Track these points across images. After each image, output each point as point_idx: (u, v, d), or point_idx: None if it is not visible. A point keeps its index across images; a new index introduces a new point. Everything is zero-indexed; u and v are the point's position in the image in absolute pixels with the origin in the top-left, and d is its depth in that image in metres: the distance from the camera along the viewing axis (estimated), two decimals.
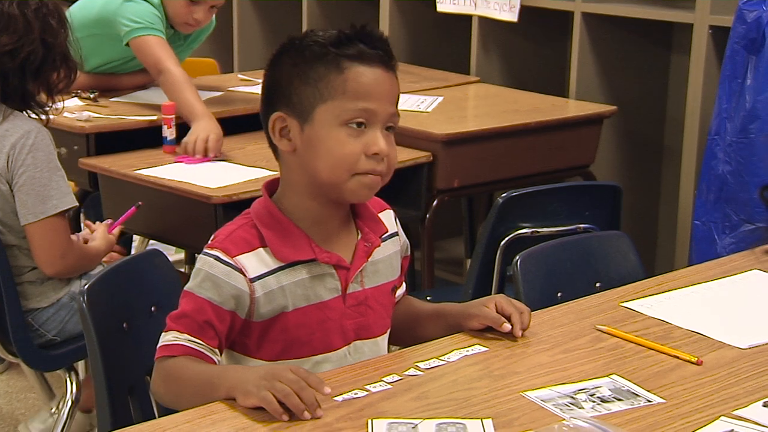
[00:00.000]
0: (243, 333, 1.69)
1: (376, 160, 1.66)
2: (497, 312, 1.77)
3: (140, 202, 2.69)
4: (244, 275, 1.65)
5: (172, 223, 2.87)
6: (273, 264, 1.67)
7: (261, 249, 1.67)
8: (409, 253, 1.87)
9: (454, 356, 1.72)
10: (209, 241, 1.69)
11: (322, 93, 1.64)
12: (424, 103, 3.49)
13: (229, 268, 1.65)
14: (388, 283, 1.78)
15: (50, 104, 2.50)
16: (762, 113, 2.93)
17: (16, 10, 2.39)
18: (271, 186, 1.74)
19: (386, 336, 1.80)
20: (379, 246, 1.76)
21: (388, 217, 1.82)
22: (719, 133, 3.06)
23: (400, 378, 1.64)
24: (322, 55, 1.65)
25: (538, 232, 2.62)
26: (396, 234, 1.83)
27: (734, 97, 3.01)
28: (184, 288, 1.68)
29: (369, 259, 1.74)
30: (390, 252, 1.80)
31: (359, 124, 1.64)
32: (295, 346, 1.69)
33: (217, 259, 1.66)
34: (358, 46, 1.65)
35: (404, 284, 1.89)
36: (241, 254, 1.66)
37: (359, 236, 1.75)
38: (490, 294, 2.60)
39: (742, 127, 2.97)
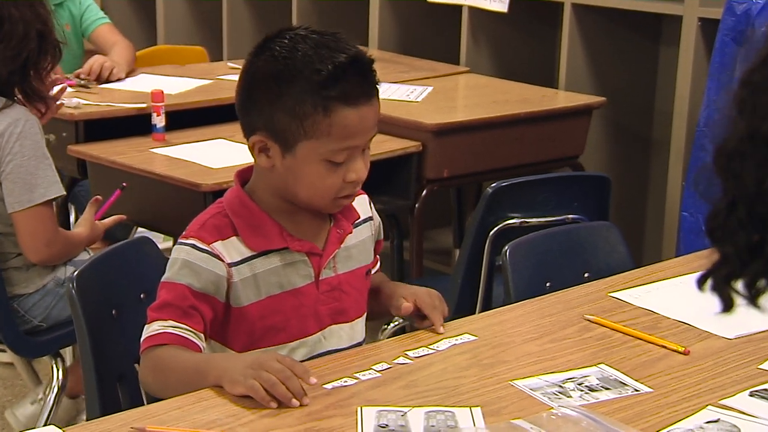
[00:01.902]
0: (220, 320, 1.70)
1: (355, 184, 1.68)
2: (416, 307, 1.78)
3: (124, 183, 2.68)
4: (222, 261, 1.67)
5: (161, 211, 2.87)
6: (246, 252, 1.69)
7: (234, 237, 1.69)
8: (382, 236, 1.88)
9: (443, 345, 1.73)
10: (183, 233, 1.70)
11: (306, 131, 1.63)
12: (414, 93, 3.49)
13: (207, 255, 1.66)
14: (361, 268, 1.80)
15: (47, 93, 2.49)
16: None
17: (13, 12, 2.37)
18: (244, 175, 1.75)
19: (362, 319, 1.81)
20: (351, 233, 1.78)
21: (362, 202, 1.84)
22: (708, 125, 3.07)
23: (389, 366, 1.65)
24: (309, 92, 1.62)
25: (527, 222, 2.63)
26: (370, 219, 1.84)
27: (722, 89, 3.02)
28: (162, 279, 1.69)
29: (342, 245, 1.76)
30: (363, 237, 1.81)
31: (342, 158, 1.66)
32: (270, 332, 1.71)
33: (194, 247, 1.67)
34: (345, 86, 1.62)
35: (378, 261, 1.91)
36: (215, 241, 1.68)
37: (332, 223, 1.76)
38: (479, 285, 2.62)
39: None
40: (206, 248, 1.67)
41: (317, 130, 1.63)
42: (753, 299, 0.93)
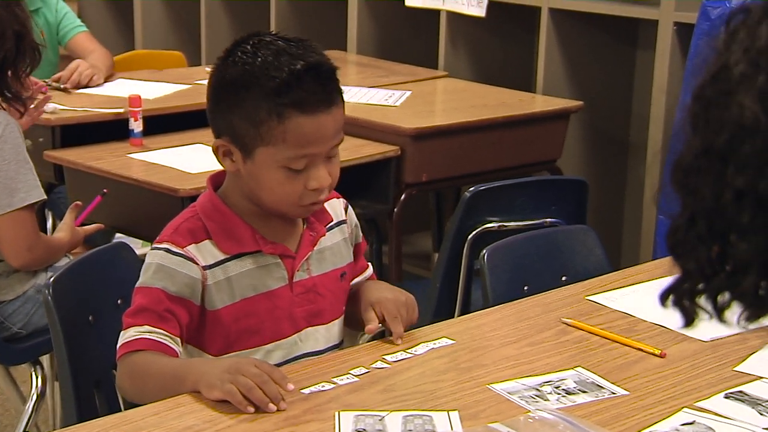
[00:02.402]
0: (196, 324, 1.69)
1: (319, 192, 1.67)
2: (379, 318, 1.76)
3: (105, 190, 2.67)
4: (197, 264, 1.67)
5: (138, 216, 2.86)
6: (219, 255, 1.69)
7: (207, 241, 1.69)
8: (360, 240, 1.88)
9: (421, 349, 1.73)
10: (157, 238, 1.70)
11: (263, 137, 1.64)
12: (393, 98, 3.50)
13: (181, 258, 1.66)
14: (336, 270, 1.80)
15: (26, 94, 2.48)
16: None
17: None
18: (217, 179, 1.76)
19: (339, 321, 1.81)
20: (324, 235, 1.77)
21: (337, 206, 1.84)
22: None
23: (367, 371, 1.65)
24: (263, 98, 1.62)
25: (505, 226, 2.63)
26: (344, 222, 1.84)
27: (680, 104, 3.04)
28: (136, 285, 1.68)
29: (315, 248, 1.76)
30: (337, 240, 1.81)
31: (301, 165, 1.65)
32: (245, 335, 1.71)
33: (168, 251, 1.67)
34: (300, 93, 1.62)
35: (370, 267, 1.91)
36: (188, 245, 1.68)
37: (305, 225, 1.76)
38: (458, 288, 2.62)
39: None
40: (180, 252, 1.67)
41: (272, 136, 1.63)
42: (717, 314, 0.94)
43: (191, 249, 1.67)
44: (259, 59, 1.64)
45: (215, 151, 1.71)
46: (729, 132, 0.89)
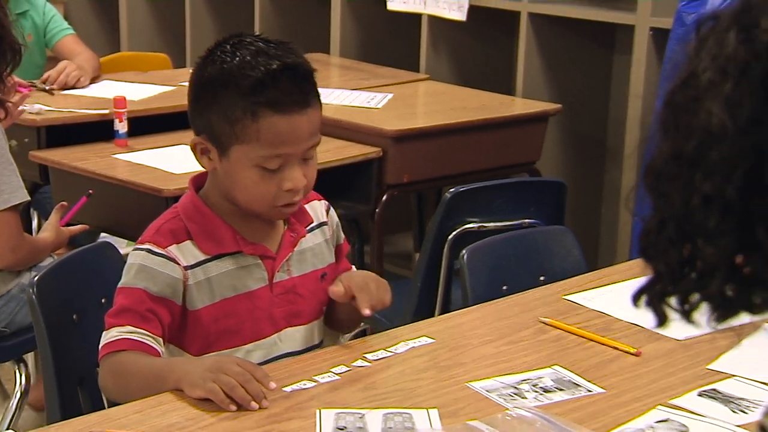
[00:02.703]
0: (177, 324, 1.69)
1: (293, 193, 1.66)
2: (345, 289, 1.72)
3: (91, 191, 2.66)
4: (178, 264, 1.66)
5: (123, 216, 2.85)
6: (200, 256, 1.69)
7: (188, 241, 1.69)
8: (342, 241, 1.87)
9: (401, 348, 1.73)
10: (139, 239, 1.70)
11: (237, 135, 1.63)
12: (375, 100, 3.49)
13: (163, 259, 1.66)
14: (316, 271, 1.79)
15: (5, 94, 2.46)
16: None
17: None
18: (198, 180, 1.75)
19: (318, 322, 1.80)
20: (305, 236, 1.77)
21: (318, 207, 1.83)
22: None
23: (348, 369, 1.65)
24: (238, 96, 1.62)
25: (484, 226, 2.63)
26: (325, 224, 1.83)
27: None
28: (118, 286, 1.67)
29: (295, 249, 1.75)
30: (318, 241, 1.81)
31: (275, 165, 1.65)
32: (225, 335, 1.70)
33: (150, 251, 1.66)
34: (275, 93, 1.61)
35: (353, 269, 1.89)
36: (170, 245, 1.67)
37: (286, 227, 1.75)
38: (438, 288, 2.63)
39: None
40: (162, 252, 1.66)
41: (247, 135, 1.63)
42: (687, 314, 0.95)
43: (173, 249, 1.67)
44: (237, 58, 1.64)
45: (193, 149, 1.70)
46: (697, 138, 0.89)
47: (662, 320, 0.97)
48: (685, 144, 0.91)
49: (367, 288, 1.71)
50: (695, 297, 0.94)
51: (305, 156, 1.67)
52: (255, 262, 1.71)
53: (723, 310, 0.93)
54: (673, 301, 0.95)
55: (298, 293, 1.75)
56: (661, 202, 0.93)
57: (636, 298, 0.98)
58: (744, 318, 0.94)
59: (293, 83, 1.64)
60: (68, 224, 2.62)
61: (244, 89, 1.62)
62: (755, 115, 0.87)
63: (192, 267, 1.67)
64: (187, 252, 1.68)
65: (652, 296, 0.96)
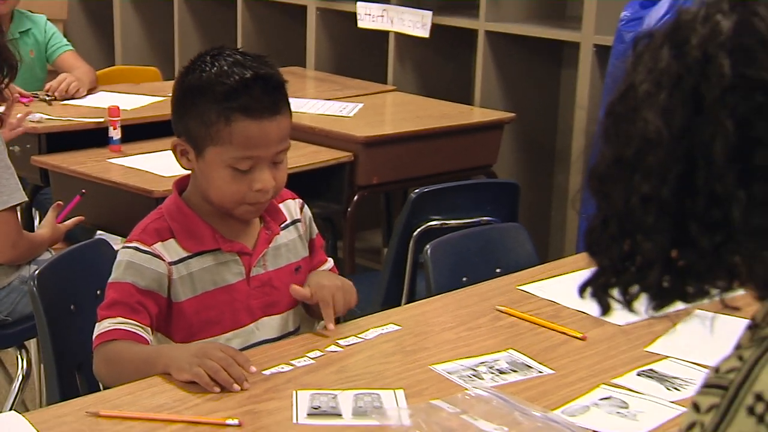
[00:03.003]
0: (164, 314, 1.67)
1: (262, 193, 1.65)
2: (311, 296, 1.71)
3: (84, 190, 2.64)
4: (163, 260, 1.65)
5: (117, 215, 2.82)
6: (183, 253, 1.67)
7: (172, 240, 1.68)
8: (314, 236, 1.85)
9: (370, 334, 1.72)
10: (127, 238, 1.69)
11: (212, 137, 1.63)
12: (346, 109, 3.48)
13: (149, 255, 1.65)
14: (290, 264, 1.78)
15: (4, 108, 2.44)
16: None
17: None
18: (182, 183, 1.74)
19: (293, 311, 1.79)
20: (279, 234, 1.75)
21: (293, 206, 1.82)
22: None
23: (322, 354, 1.64)
24: (213, 102, 1.61)
25: (446, 224, 2.63)
26: (299, 221, 1.82)
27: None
28: (108, 281, 1.66)
29: (270, 245, 1.74)
30: (292, 237, 1.79)
31: (246, 166, 1.63)
32: (207, 325, 1.69)
33: (137, 249, 1.65)
34: (247, 99, 1.61)
35: (330, 261, 1.88)
36: (155, 243, 1.66)
37: (262, 225, 1.74)
38: (404, 280, 2.62)
39: None
40: (148, 249, 1.65)
41: (220, 137, 1.62)
42: (628, 304, 0.95)
43: (158, 247, 1.66)
44: (215, 68, 1.63)
45: (174, 150, 1.70)
46: (636, 144, 0.90)
47: (606, 309, 0.97)
48: (625, 149, 0.91)
49: (332, 302, 1.69)
50: (635, 288, 0.94)
51: (275, 160, 1.66)
52: (233, 258, 1.70)
53: (660, 300, 0.94)
54: (615, 292, 0.95)
55: (274, 286, 1.74)
56: (604, 202, 0.93)
57: (582, 290, 0.98)
58: (678, 306, 0.95)
59: (265, 92, 1.63)
60: (63, 220, 2.59)
61: (219, 95, 1.61)
62: (687, 123, 0.87)
63: (175, 263, 1.66)
64: (171, 249, 1.66)
65: (596, 288, 0.96)
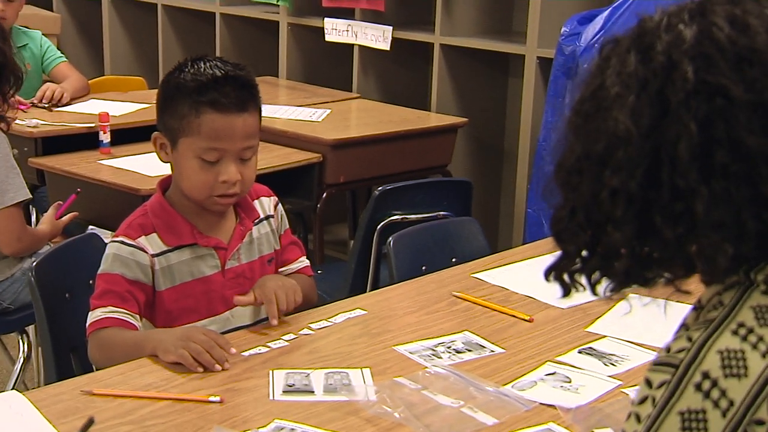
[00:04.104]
0: (149, 302, 1.65)
1: (228, 185, 1.63)
2: (256, 297, 1.65)
3: (78, 189, 2.61)
4: (146, 252, 1.63)
5: (107, 211, 2.79)
6: (163, 247, 1.66)
7: (154, 234, 1.66)
8: (283, 231, 1.82)
9: (339, 318, 1.72)
10: (115, 233, 1.67)
11: (183, 128, 1.62)
12: (315, 115, 3.47)
13: (133, 248, 1.63)
14: (263, 257, 1.76)
15: (7, 112, 2.40)
16: None
17: None
18: (165, 183, 1.73)
19: None
20: (252, 229, 1.74)
21: (267, 203, 1.80)
22: (546, 140, 3.12)
23: (295, 336, 1.63)
24: (186, 96, 1.62)
25: (407, 218, 2.63)
26: (271, 216, 1.80)
27: (557, 113, 3.07)
28: (98, 273, 1.64)
29: (244, 240, 1.72)
30: (265, 231, 1.78)
31: (213, 157, 1.62)
32: (185, 313, 1.67)
33: (122, 243, 1.64)
34: (213, 95, 1.60)
35: (301, 261, 1.84)
36: (139, 237, 1.65)
37: (237, 221, 1.72)
38: (369, 269, 2.61)
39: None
40: (132, 243, 1.63)
41: (190, 128, 1.61)
42: (592, 287, 0.94)
43: (142, 240, 1.64)
44: (193, 69, 1.63)
45: (153, 143, 1.69)
46: (605, 141, 0.88)
47: (567, 292, 0.96)
48: (594, 145, 0.90)
49: (275, 298, 1.63)
50: (598, 274, 0.93)
51: (242, 156, 1.64)
52: (209, 252, 1.68)
53: (621, 284, 0.92)
54: (579, 276, 0.94)
55: (248, 277, 1.72)
56: (571, 193, 0.92)
57: (547, 274, 0.96)
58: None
59: (233, 89, 1.62)
60: (61, 216, 2.56)
61: (192, 90, 1.61)
62: (654, 123, 0.86)
63: (157, 255, 1.65)
64: (154, 243, 1.65)
65: (560, 272, 0.95)
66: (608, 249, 0.90)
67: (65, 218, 2.56)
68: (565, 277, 0.95)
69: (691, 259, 0.89)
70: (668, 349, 0.88)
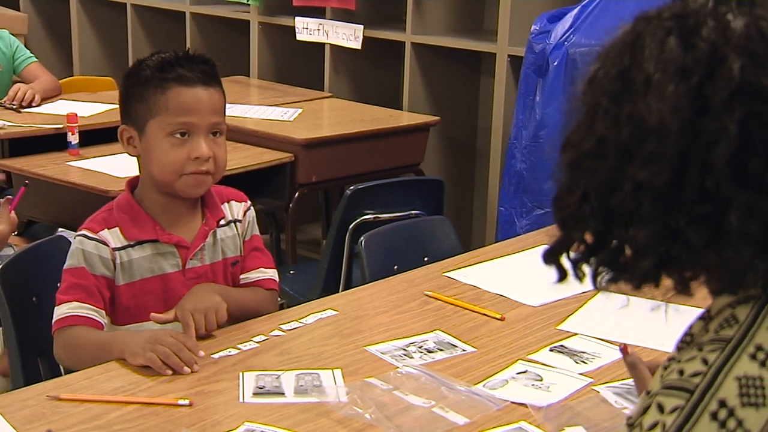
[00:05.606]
0: (112, 297, 1.64)
1: (200, 162, 1.62)
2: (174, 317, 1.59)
3: (27, 182, 2.56)
4: (108, 246, 1.63)
5: (76, 213, 2.72)
6: (125, 241, 1.65)
7: (116, 228, 1.65)
8: (249, 237, 1.78)
9: (310, 319, 1.70)
10: (79, 227, 1.67)
11: (151, 110, 1.62)
12: (287, 114, 3.45)
13: (95, 242, 1.63)
14: (227, 259, 1.74)
15: None
16: (549, 123, 3.00)
17: None
18: (133, 182, 1.72)
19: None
20: (215, 229, 1.72)
21: (236, 207, 1.77)
22: (517, 138, 3.13)
23: (266, 338, 1.62)
24: (150, 78, 1.62)
25: (379, 217, 2.62)
26: (238, 221, 1.77)
27: (528, 111, 3.08)
28: (64, 268, 1.63)
29: (208, 240, 1.71)
30: (230, 234, 1.75)
31: (183, 134, 1.62)
32: (143, 310, 1.65)
33: (85, 236, 1.64)
34: (178, 71, 1.62)
35: (263, 272, 1.77)
36: (102, 230, 1.64)
37: (203, 221, 1.71)
38: (341, 269, 2.60)
39: (534, 134, 3.04)
40: (95, 236, 1.63)
41: (158, 107, 1.61)
42: (594, 278, 0.88)
43: (104, 233, 1.64)
44: (154, 57, 1.65)
45: (120, 137, 1.68)
46: (634, 129, 0.81)
47: (563, 277, 0.90)
48: (619, 131, 0.82)
49: (192, 323, 1.56)
50: (606, 267, 0.86)
51: (211, 130, 1.64)
52: (170, 250, 1.67)
53: (633, 281, 0.86)
54: (582, 264, 0.88)
55: (209, 278, 1.70)
56: (584, 177, 0.85)
57: (546, 257, 0.90)
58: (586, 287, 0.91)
59: (196, 65, 1.64)
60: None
61: (155, 70, 1.62)
62: (692, 119, 0.80)
63: (118, 249, 1.64)
64: (116, 236, 1.64)
65: (559, 257, 0.89)
66: (627, 245, 0.84)
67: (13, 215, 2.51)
68: (563, 262, 0.89)
69: (709, 266, 0.84)
70: (682, 372, 0.82)
